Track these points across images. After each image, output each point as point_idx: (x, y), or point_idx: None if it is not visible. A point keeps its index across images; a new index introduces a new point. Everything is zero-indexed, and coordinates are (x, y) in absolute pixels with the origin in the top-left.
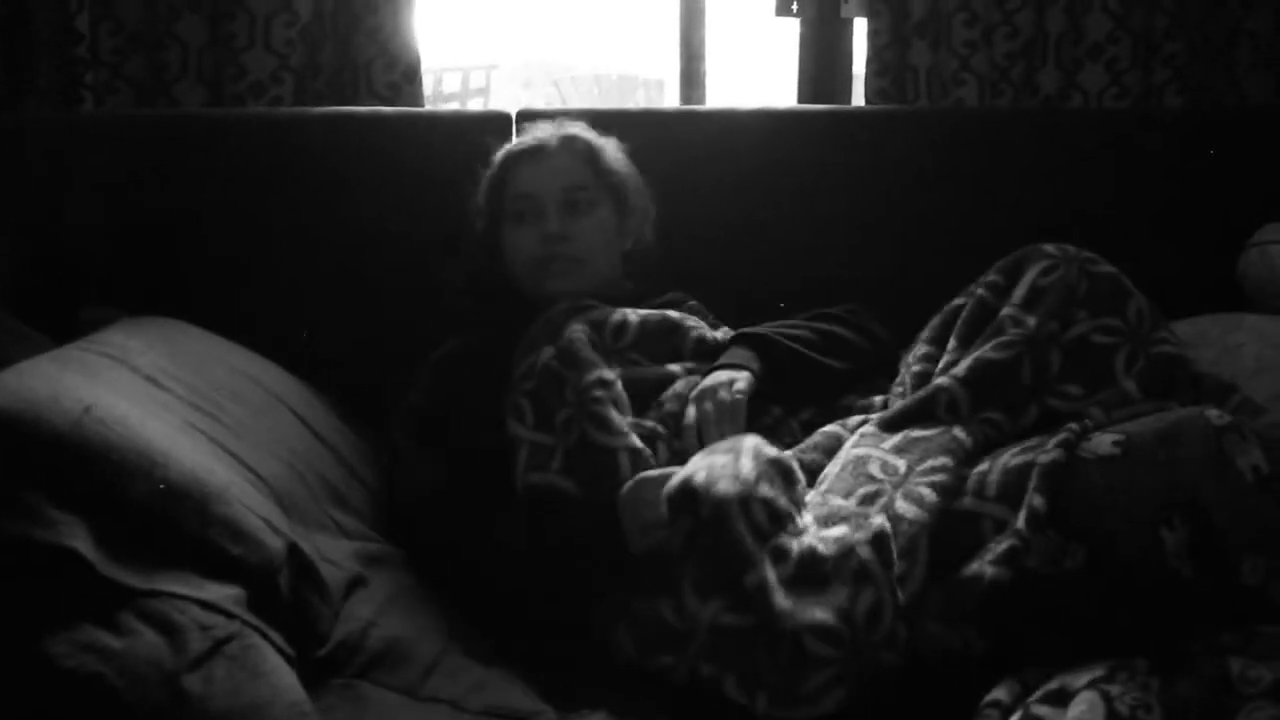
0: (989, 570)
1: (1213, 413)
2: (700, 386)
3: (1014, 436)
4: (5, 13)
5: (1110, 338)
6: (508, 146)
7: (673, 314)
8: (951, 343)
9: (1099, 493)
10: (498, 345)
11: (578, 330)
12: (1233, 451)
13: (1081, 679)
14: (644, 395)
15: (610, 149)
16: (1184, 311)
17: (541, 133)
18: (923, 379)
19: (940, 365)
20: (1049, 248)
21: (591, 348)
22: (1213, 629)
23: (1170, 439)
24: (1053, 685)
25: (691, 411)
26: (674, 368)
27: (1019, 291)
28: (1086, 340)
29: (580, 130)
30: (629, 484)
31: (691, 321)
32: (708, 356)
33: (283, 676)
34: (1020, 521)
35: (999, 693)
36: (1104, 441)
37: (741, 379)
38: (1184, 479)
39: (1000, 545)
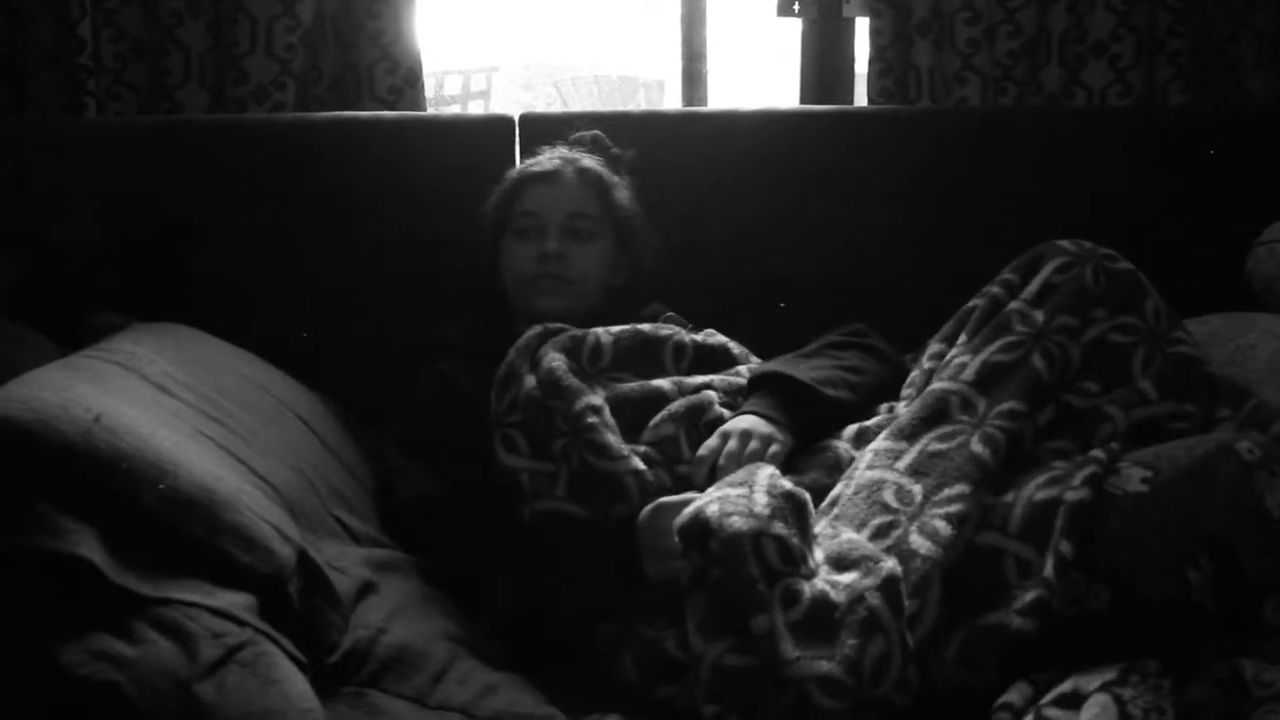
0: (1015, 621)
1: (1243, 445)
2: (736, 425)
3: (1033, 434)
4: (6, 21)
5: (1128, 336)
6: (522, 166)
7: (644, 326)
8: (962, 337)
9: (1127, 532)
10: (479, 366)
11: (556, 360)
12: (1262, 489)
13: (1094, 681)
14: (632, 415)
15: (621, 189)
16: (1191, 311)
17: (558, 159)
18: (933, 377)
19: (947, 358)
20: (1066, 244)
21: (572, 375)
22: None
23: (1200, 476)
24: (1065, 688)
25: (714, 442)
26: (662, 384)
27: (1030, 287)
28: (1104, 339)
29: (595, 164)
30: (646, 510)
31: (666, 330)
32: (689, 363)
33: (295, 684)
34: (1049, 569)
35: (1010, 695)
36: (1132, 477)
37: (779, 445)
38: (1213, 519)
39: (1027, 595)
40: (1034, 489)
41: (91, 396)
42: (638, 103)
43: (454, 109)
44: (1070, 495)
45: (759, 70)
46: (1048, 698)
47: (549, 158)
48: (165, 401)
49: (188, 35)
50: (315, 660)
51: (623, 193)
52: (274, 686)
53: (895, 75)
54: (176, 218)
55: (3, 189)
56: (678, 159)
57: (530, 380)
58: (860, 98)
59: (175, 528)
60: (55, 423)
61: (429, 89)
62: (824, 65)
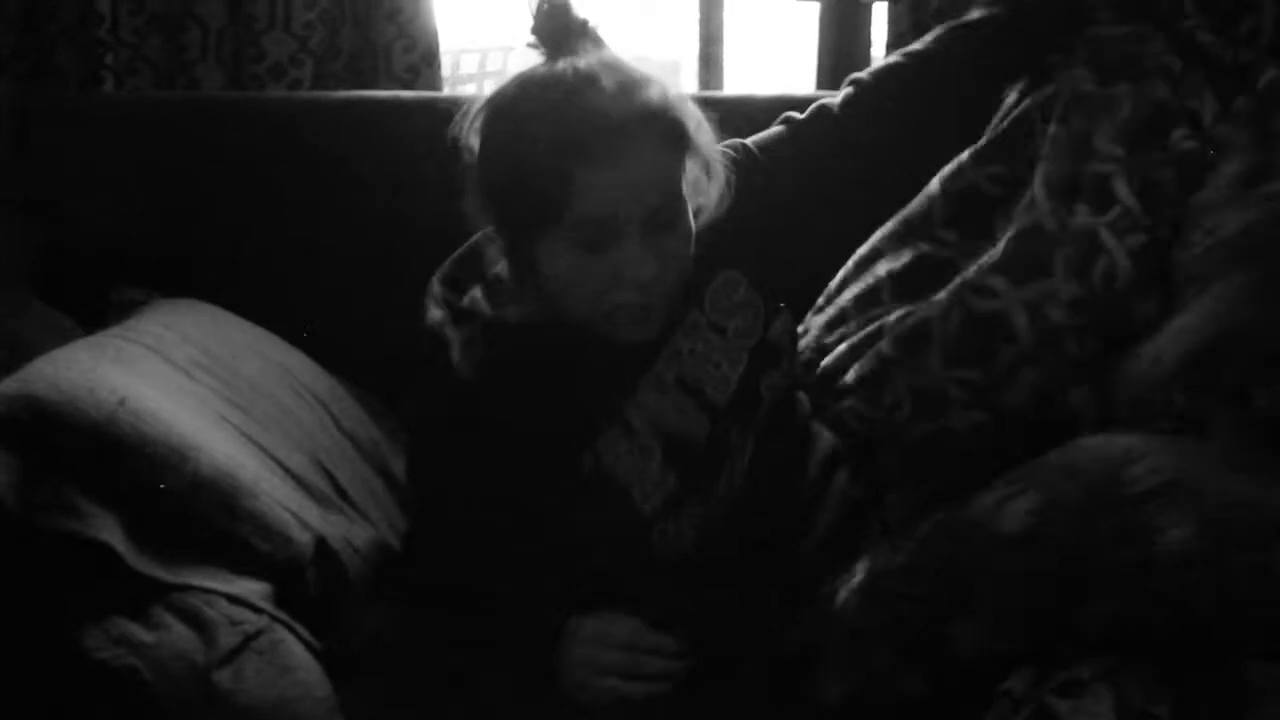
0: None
1: (1131, 473)
2: None
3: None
4: None
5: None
6: (561, 124)
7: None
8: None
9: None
10: (508, 394)
11: None
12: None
13: (1094, 670)
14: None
15: (694, 112)
16: None
17: (610, 93)
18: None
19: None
20: None
21: None
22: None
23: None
24: (1066, 676)
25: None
26: None
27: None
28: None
29: (659, 94)
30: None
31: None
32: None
33: (310, 672)
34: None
35: (1012, 681)
36: (1016, 512)
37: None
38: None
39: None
40: None
41: (117, 378)
42: None
43: (470, 88)
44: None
45: (775, 55)
46: (1049, 684)
47: (599, 100)
48: (189, 387)
49: (206, 11)
50: (333, 648)
51: (695, 119)
52: (290, 674)
53: None
54: (196, 196)
55: (25, 162)
56: None
57: None
58: None
59: (195, 514)
60: (81, 404)
61: (445, 68)
62: (840, 51)
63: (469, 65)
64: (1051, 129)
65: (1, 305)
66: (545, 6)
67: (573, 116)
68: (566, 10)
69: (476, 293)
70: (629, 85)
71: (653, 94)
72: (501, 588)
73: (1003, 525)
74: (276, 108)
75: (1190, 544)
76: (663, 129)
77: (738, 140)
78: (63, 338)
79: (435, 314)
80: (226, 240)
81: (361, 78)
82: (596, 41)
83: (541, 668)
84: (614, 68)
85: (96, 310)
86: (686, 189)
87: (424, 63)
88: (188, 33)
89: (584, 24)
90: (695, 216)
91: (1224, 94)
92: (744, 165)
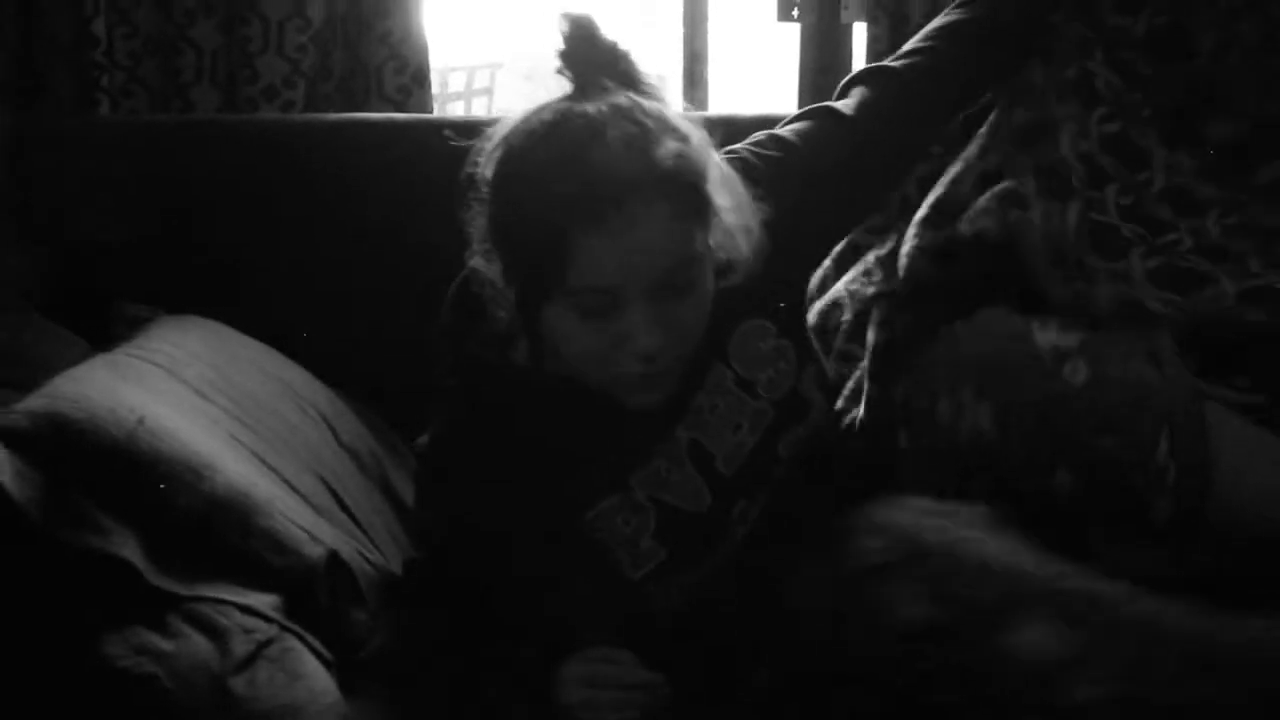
0: None
1: (869, 545)
2: None
3: None
4: (22, 17)
5: None
6: (563, 175)
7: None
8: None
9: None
10: (511, 446)
11: None
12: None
13: None
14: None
15: (716, 163)
16: None
17: (617, 149)
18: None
19: None
20: None
21: None
22: None
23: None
24: None
25: None
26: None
27: None
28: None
29: (673, 150)
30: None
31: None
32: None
33: (320, 679)
34: None
35: None
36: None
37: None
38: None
39: None
40: None
41: (136, 397)
42: None
43: (458, 106)
44: None
45: (758, 74)
46: None
47: (603, 158)
48: (202, 406)
49: (200, 34)
50: (345, 657)
51: (717, 176)
52: (300, 681)
53: None
54: (193, 214)
55: (23, 183)
56: None
57: None
58: None
59: (211, 531)
60: (102, 422)
61: (434, 86)
62: (821, 70)
63: (456, 83)
64: (993, 116)
65: (6, 319)
66: (570, 29)
67: (574, 177)
68: (593, 34)
69: (485, 333)
70: (640, 140)
71: (666, 150)
72: (499, 616)
73: (794, 601)
74: (271, 129)
75: (924, 620)
76: (674, 191)
77: (767, 132)
78: (70, 351)
79: (444, 354)
80: (223, 260)
81: (353, 99)
82: (625, 74)
83: (538, 695)
84: (628, 116)
85: (97, 327)
86: (711, 245)
87: (415, 83)
88: (182, 55)
89: (612, 49)
90: (726, 272)
91: (1171, 140)
92: (769, 165)
